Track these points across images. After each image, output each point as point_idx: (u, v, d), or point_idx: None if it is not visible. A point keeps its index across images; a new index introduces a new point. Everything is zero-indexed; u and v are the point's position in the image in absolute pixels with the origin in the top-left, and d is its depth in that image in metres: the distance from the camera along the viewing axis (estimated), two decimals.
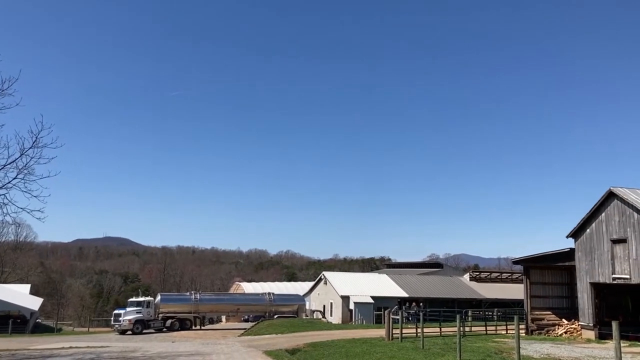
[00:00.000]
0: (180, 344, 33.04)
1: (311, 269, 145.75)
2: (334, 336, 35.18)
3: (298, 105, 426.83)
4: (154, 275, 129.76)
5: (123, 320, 51.06)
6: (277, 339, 36.10)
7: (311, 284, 69.12)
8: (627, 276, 30.15)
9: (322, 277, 62.20)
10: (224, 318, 69.49)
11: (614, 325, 11.49)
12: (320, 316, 59.48)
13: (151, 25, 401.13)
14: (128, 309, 52.12)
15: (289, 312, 58.80)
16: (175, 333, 49.97)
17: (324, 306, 59.61)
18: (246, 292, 74.97)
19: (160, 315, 53.90)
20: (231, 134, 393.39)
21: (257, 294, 63.17)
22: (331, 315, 56.82)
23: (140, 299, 54.03)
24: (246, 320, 64.27)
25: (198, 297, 56.55)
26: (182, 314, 54.81)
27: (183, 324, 54.28)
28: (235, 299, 62.21)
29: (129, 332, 50.40)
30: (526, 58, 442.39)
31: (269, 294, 60.53)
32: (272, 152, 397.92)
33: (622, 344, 27.11)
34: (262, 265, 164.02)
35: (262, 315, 57.98)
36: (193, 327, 54.62)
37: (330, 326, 47.48)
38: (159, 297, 55.86)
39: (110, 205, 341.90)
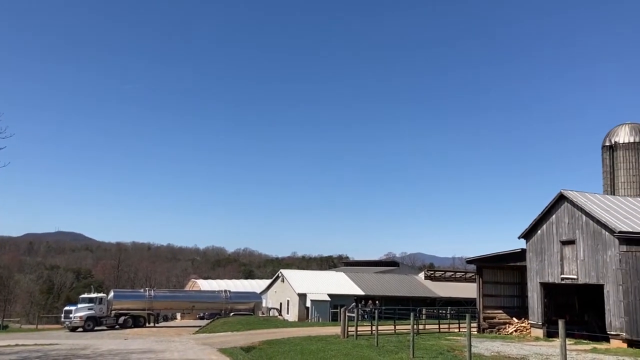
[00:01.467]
0: (133, 341, 32.43)
1: (269, 267, 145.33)
2: (290, 334, 35.17)
3: (256, 100, 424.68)
4: (107, 272, 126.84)
5: (74, 317, 49.82)
6: (232, 336, 35.83)
7: (268, 281, 68.90)
8: (575, 276, 31.16)
9: (280, 274, 62.08)
10: (178, 315, 68.55)
11: (560, 323, 11.83)
12: (276, 314, 59.38)
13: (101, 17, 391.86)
14: (79, 306, 50.90)
15: (245, 310, 58.46)
16: (128, 330, 49.05)
17: (281, 304, 59.53)
18: (202, 289, 74.13)
19: (113, 312, 52.83)
20: (188, 127, 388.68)
21: (213, 292, 62.57)
22: (288, 313, 56.79)
23: (93, 295, 52.88)
24: (201, 318, 63.62)
25: (152, 294, 55.66)
26: (135, 311, 53.83)
27: (136, 321, 53.31)
28: (190, 296, 61.52)
29: (80, 329, 49.23)
30: (474, 58, 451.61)
31: (225, 291, 60.04)
32: (230, 149, 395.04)
33: (568, 342, 28.00)
34: (219, 263, 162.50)
35: (218, 313, 57.45)
36: (147, 325, 53.70)
37: (286, 324, 47.44)
38: (112, 294, 54.73)
39: (64, 199, 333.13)
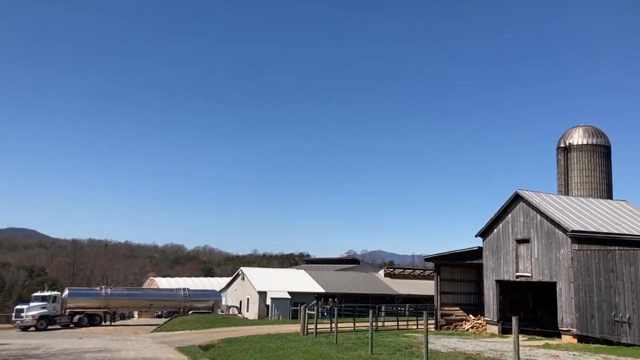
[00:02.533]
0: (88, 340, 31.70)
1: (229, 265, 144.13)
2: (250, 332, 35.01)
3: (216, 94, 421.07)
4: (62, 269, 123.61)
5: (26, 316, 48.44)
6: (191, 335, 35.43)
7: (228, 279, 68.48)
8: (529, 274, 31.99)
9: (240, 272, 61.77)
10: (136, 314, 67.40)
11: (514, 320, 12.10)
12: (236, 312, 59.05)
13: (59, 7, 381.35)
14: (32, 304, 49.50)
15: (204, 308, 57.93)
16: (83, 329, 47.94)
17: (241, 302, 59.21)
18: (160, 287, 73.11)
19: (68, 310, 51.59)
20: (147, 122, 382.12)
21: (172, 289, 61.81)
22: (248, 310, 56.53)
23: (46, 293, 51.51)
24: (160, 316, 62.72)
25: (109, 292, 54.59)
26: (91, 309, 52.70)
27: (92, 320, 52.19)
28: (148, 294, 60.59)
29: (32, 329, 47.87)
30: (433, 59, 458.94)
31: (184, 289, 59.37)
32: (189, 145, 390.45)
33: (521, 338, 28.77)
34: (179, 260, 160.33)
35: (177, 311, 56.76)
36: (103, 323, 52.66)
37: (246, 322, 47.20)
38: (66, 292, 53.43)
39: (15, 194, 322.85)
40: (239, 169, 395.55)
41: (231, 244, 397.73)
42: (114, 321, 55.44)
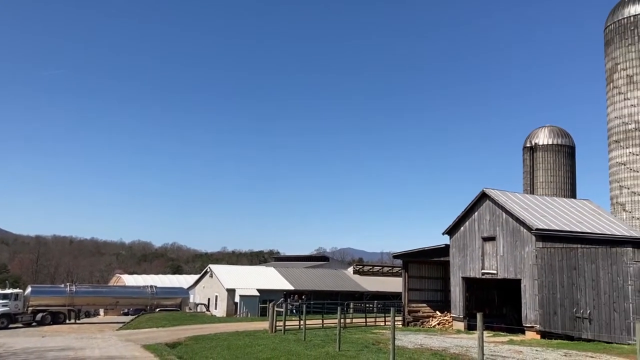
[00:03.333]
0: (51, 339, 31.06)
1: (198, 262, 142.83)
2: (218, 329, 34.82)
3: (183, 89, 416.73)
4: (25, 266, 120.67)
5: None
6: (157, 332, 35.07)
7: (197, 277, 67.85)
8: (495, 271, 32.55)
9: (208, 269, 61.27)
10: (102, 312, 66.35)
11: (478, 316, 12.32)
12: (204, 309, 58.58)
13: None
14: None
15: (172, 306, 57.38)
16: (46, 327, 47.02)
17: (209, 299, 58.75)
18: (127, 284, 72.05)
19: (30, 308, 50.52)
20: (115, 116, 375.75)
21: (139, 287, 61.03)
22: (216, 308, 56.13)
23: (7, 291, 50.41)
24: (126, 314, 61.92)
25: (74, 290, 53.66)
26: (55, 307, 51.71)
27: (56, 318, 51.23)
28: (114, 292, 59.74)
29: None
30: (400, 57, 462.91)
31: (151, 286, 58.72)
32: (157, 140, 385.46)
33: (487, 334, 29.23)
34: (146, 257, 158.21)
35: (143, 309, 56.09)
36: (67, 321, 51.75)
37: (214, 319, 46.90)
38: (29, 289, 52.33)
39: None
40: (209, 166, 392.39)
41: (200, 241, 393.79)
42: (78, 319, 54.49)
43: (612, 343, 23.99)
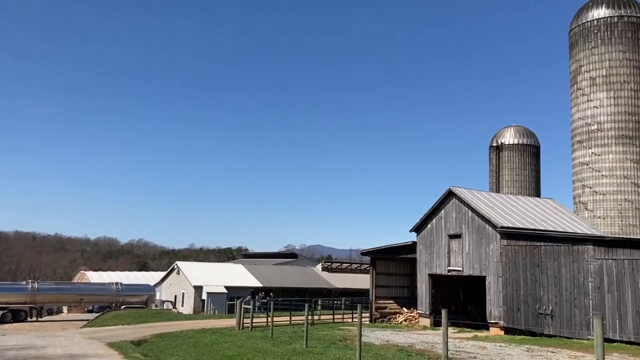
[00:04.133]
0: (11, 337, 30.33)
1: (165, 259, 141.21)
2: (184, 327, 34.54)
3: (155, 87, 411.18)
4: None
5: None
6: (122, 330, 34.60)
7: (163, 273, 67.15)
8: (460, 268, 33.04)
9: (175, 266, 60.63)
10: (65, 309, 65.05)
11: (443, 313, 12.51)
12: (171, 307, 58.03)
13: None
14: None
15: (137, 303, 56.67)
16: (6, 325, 45.88)
17: (176, 296, 58.19)
18: (92, 281, 70.87)
19: None
20: (81, 110, 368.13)
21: (104, 284, 60.11)
22: (183, 305, 55.62)
23: None
24: (90, 312, 60.83)
25: (35, 287, 52.54)
26: (16, 305, 50.54)
27: (17, 316, 50.06)
28: (78, 289, 58.76)
29: None
30: (369, 55, 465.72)
31: (116, 283, 57.90)
32: (121, 134, 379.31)
33: (452, 330, 29.64)
34: (112, 254, 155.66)
35: (108, 306, 55.25)
36: (29, 319, 50.59)
37: (180, 317, 46.50)
38: None
39: None
40: (176, 161, 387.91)
41: (167, 238, 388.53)
42: (41, 317, 53.36)
43: (572, 338, 24.61)
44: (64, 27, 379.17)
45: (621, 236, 38.65)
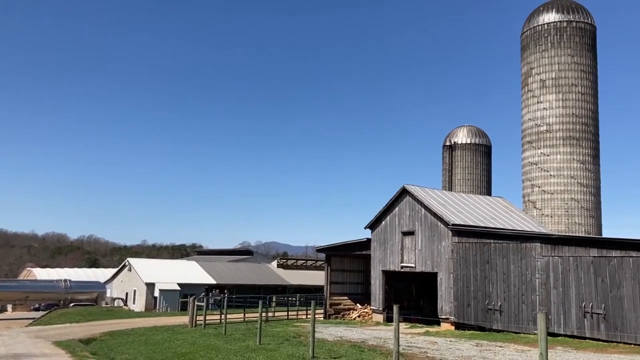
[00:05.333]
0: None
1: (116, 255, 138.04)
2: (135, 324, 33.94)
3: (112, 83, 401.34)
4: None
5: None
6: (70, 328, 33.66)
7: (114, 270, 65.63)
8: (413, 265, 33.54)
9: (127, 263, 59.37)
10: (9, 307, 62.80)
11: (395, 308, 12.68)
12: (122, 304, 56.84)
13: None
14: None
15: (87, 300, 55.31)
16: None
17: (127, 294, 57.01)
18: (39, 278, 68.56)
19: None
20: (28, 104, 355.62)
21: (51, 281, 58.33)
22: (134, 303, 54.56)
23: None
24: (37, 309, 58.94)
25: None
26: None
27: None
28: (24, 286, 56.86)
29: None
30: (317, 57, 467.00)
31: (64, 280, 56.32)
32: (74, 128, 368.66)
33: (404, 326, 30.05)
34: (60, 250, 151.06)
35: (56, 304, 53.70)
36: None
37: (132, 314, 45.64)
38: None
39: None
40: (128, 154, 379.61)
41: (119, 234, 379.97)
42: None
43: (519, 333, 25.36)
44: None
45: (567, 234, 40.06)
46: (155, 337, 24.64)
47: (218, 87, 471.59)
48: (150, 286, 52.92)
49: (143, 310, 51.40)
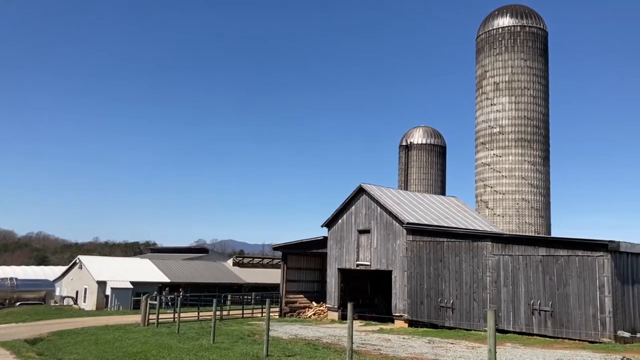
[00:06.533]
0: None
1: (67, 253, 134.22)
2: (86, 323, 33.16)
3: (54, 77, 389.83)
4: None
5: None
6: (17, 328, 32.55)
7: (64, 268, 63.80)
8: (368, 263, 33.85)
9: (78, 260, 57.83)
10: None
11: (349, 306, 12.77)
12: (72, 303, 55.33)
13: None
14: None
15: (35, 299, 53.62)
16: None
17: (77, 292, 55.53)
18: None
19: None
20: None
21: None
22: (85, 301, 53.20)
23: None
24: None
25: None
26: None
27: None
28: None
29: None
30: (281, 56, 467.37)
31: (10, 279, 54.40)
32: (20, 119, 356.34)
33: (359, 324, 30.29)
34: (7, 247, 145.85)
35: (2, 303, 51.79)
36: None
37: (82, 313, 44.53)
38: None
39: None
40: (79, 148, 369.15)
41: (70, 231, 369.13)
42: None
43: (471, 330, 25.93)
44: None
45: (517, 233, 41.16)
46: (105, 337, 24.12)
47: (178, 79, 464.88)
48: (102, 284, 51.70)
49: (94, 309, 50.20)
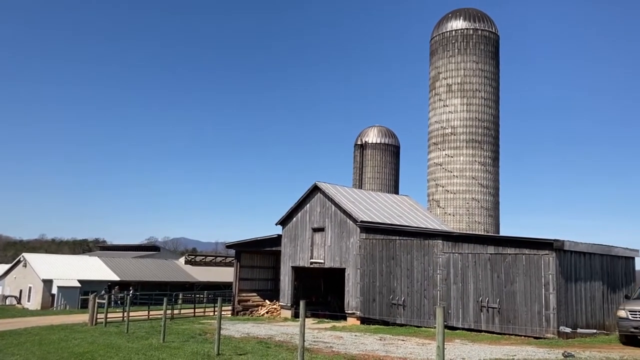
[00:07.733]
0: None
1: (10, 250, 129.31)
2: (30, 323, 32.07)
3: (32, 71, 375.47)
4: None
5: None
6: None
7: (8, 266, 61.57)
8: (322, 261, 33.95)
9: (22, 258, 55.92)
10: None
11: (302, 304, 12.78)
12: (15, 302, 53.43)
13: None
14: None
15: None
16: None
17: (21, 291, 53.68)
18: None
19: None
20: None
21: None
22: (29, 300, 51.48)
23: None
24: None
25: None
26: None
27: None
28: None
29: None
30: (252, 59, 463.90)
31: None
32: None
33: (312, 321, 30.35)
34: None
35: None
36: None
37: (26, 313, 43.08)
38: None
39: None
40: (25, 142, 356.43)
41: (14, 228, 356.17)
42: None
43: (421, 327, 26.36)
44: None
45: (467, 232, 42.11)
46: (50, 337, 23.38)
47: (134, 70, 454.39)
48: (48, 283, 50.14)
49: (39, 308, 48.64)
